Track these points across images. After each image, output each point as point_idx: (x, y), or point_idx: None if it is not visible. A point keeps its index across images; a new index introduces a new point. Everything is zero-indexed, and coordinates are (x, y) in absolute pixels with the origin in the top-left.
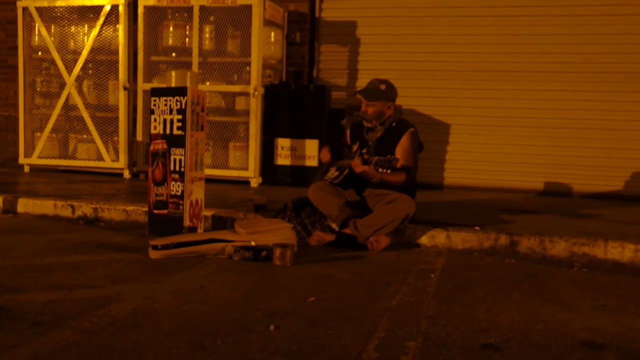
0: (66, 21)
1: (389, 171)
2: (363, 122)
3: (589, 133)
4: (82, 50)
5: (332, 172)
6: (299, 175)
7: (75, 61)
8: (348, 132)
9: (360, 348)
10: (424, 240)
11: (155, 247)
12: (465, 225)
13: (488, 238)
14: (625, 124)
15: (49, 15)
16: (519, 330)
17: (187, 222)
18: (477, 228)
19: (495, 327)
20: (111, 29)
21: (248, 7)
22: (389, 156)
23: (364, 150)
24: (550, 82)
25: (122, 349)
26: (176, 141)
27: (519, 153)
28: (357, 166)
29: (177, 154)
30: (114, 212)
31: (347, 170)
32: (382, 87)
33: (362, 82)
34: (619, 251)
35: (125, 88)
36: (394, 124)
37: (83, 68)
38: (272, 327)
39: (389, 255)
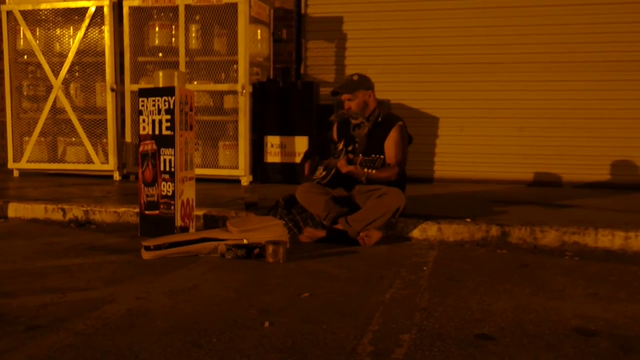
0: (51, 24)
1: (373, 171)
2: (350, 119)
3: (578, 123)
4: (68, 53)
5: (320, 172)
6: (290, 172)
7: (62, 64)
8: (335, 127)
9: (355, 342)
10: (416, 233)
11: (147, 248)
12: (456, 217)
13: (479, 230)
14: (613, 112)
15: (33, 18)
16: (511, 320)
17: (178, 222)
18: (468, 220)
19: (488, 317)
20: (97, 31)
21: (234, 5)
22: (373, 155)
23: (350, 148)
24: (538, 73)
25: (117, 350)
26: (165, 141)
27: (508, 144)
28: (343, 167)
29: (166, 154)
30: (105, 214)
31: (334, 170)
32: (355, 77)
33: None
34: (609, 239)
35: (112, 89)
36: (379, 119)
37: (69, 71)
38: (266, 324)
39: (381, 249)
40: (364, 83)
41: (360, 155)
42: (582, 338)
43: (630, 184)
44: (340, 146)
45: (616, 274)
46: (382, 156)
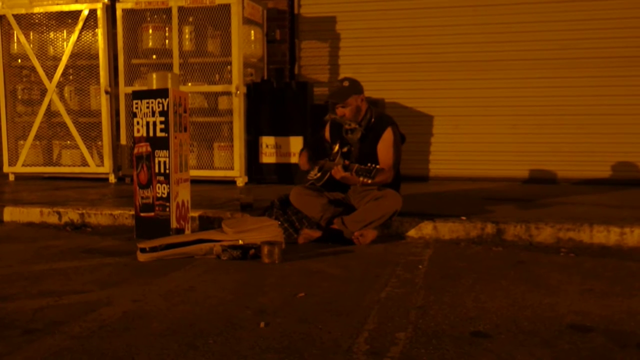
0: (45, 27)
1: (369, 180)
2: (343, 124)
3: (572, 119)
4: (62, 56)
5: (315, 173)
6: (285, 172)
7: (56, 67)
8: (327, 128)
9: (351, 341)
10: (411, 232)
11: (143, 250)
12: (451, 215)
13: (474, 227)
14: (606, 108)
15: (27, 22)
16: (507, 317)
17: (174, 224)
18: (463, 218)
19: (483, 314)
20: (90, 34)
21: (227, 7)
22: (369, 165)
23: (345, 150)
24: (531, 70)
25: (114, 353)
26: (160, 143)
27: (503, 142)
28: (338, 173)
29: (161, 156)
30: (100, 217)
31: (328, 174)
32: (346, 83)
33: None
34: (605, 235)
35: (106, 92)
36: (372, 121)
37: (64, 74)
38: (262, 324)
39: (376, 248)
40: (355, 88)
41: (356, 164)
42: (577, 334)
43: (625, 180)
44: (336, 148)
45: (611, 269)
46: (378, 166)
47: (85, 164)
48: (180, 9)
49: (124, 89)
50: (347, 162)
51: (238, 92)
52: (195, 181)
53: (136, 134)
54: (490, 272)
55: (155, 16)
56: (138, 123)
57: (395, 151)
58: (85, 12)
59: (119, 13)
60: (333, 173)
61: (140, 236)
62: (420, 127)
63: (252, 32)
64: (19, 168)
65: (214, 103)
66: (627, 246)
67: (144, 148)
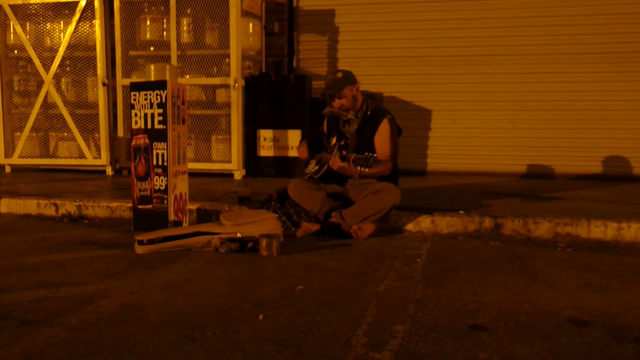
0: (41, 18)
1: (366, 169)
2: (340, 116)
3: (570, 114)
4: (58, 47)
5: (312, 166)
6: (283, 166)
7: (53, 58)
8: (325, 122)
9: (350, 334)
10: (409, 226)
11: (141, 242)
12: (449, 209)
13: (472, 222)
14: (604, 104)
15: (23, 12)
16: (505, 311)
17: (172, 217)
18: (461, 212)
19: (482, 308)
20: (87, 25)
21: None
22: (366, 154)
23: (342, 143)
24: (531, 65)
25: (111, 344)
26: (158, 135)
27: (500, 137)
28: (335, 163)
29: (159, 148)
30: (98, 209)
31: (326, 166)
32: (339, 75)
33: None
34: (602, 230)
35: (104, 84)
36: (369, 113)
37: (60, 65)
38: (261, 317)
39: (374, 241)
40: (349, 79)
41: (353, 153)
42: (575, 328)
43: (622, 176)
44: (334, 141)
45: (609, 264)
46: (374, 155)
47: (82, 156)
48: (178, 0)
49: (121, 81)
50: (344, 152)
51: (236, 84)
52: (192, 174)
53: (134, 126)
54: (488, 266)
55: (153, 7)
56: (136, 115)
57: (392, 142)
58: (83, 3)
59: (116, 4)
60: (330, 164)
61: (138, 228)
62: (419, 121)
63: (251, 24)
64: (16, 160)
65: (211, 96)
66: (624, 241)
67: (141, 140)
